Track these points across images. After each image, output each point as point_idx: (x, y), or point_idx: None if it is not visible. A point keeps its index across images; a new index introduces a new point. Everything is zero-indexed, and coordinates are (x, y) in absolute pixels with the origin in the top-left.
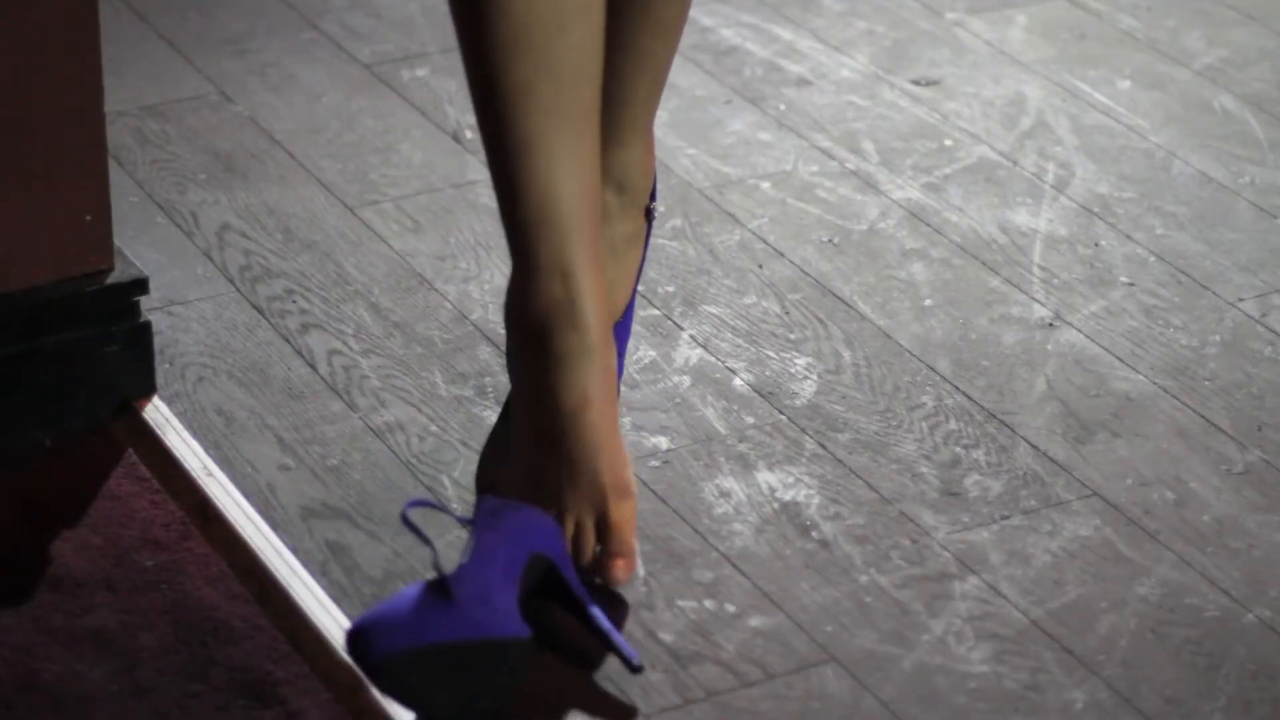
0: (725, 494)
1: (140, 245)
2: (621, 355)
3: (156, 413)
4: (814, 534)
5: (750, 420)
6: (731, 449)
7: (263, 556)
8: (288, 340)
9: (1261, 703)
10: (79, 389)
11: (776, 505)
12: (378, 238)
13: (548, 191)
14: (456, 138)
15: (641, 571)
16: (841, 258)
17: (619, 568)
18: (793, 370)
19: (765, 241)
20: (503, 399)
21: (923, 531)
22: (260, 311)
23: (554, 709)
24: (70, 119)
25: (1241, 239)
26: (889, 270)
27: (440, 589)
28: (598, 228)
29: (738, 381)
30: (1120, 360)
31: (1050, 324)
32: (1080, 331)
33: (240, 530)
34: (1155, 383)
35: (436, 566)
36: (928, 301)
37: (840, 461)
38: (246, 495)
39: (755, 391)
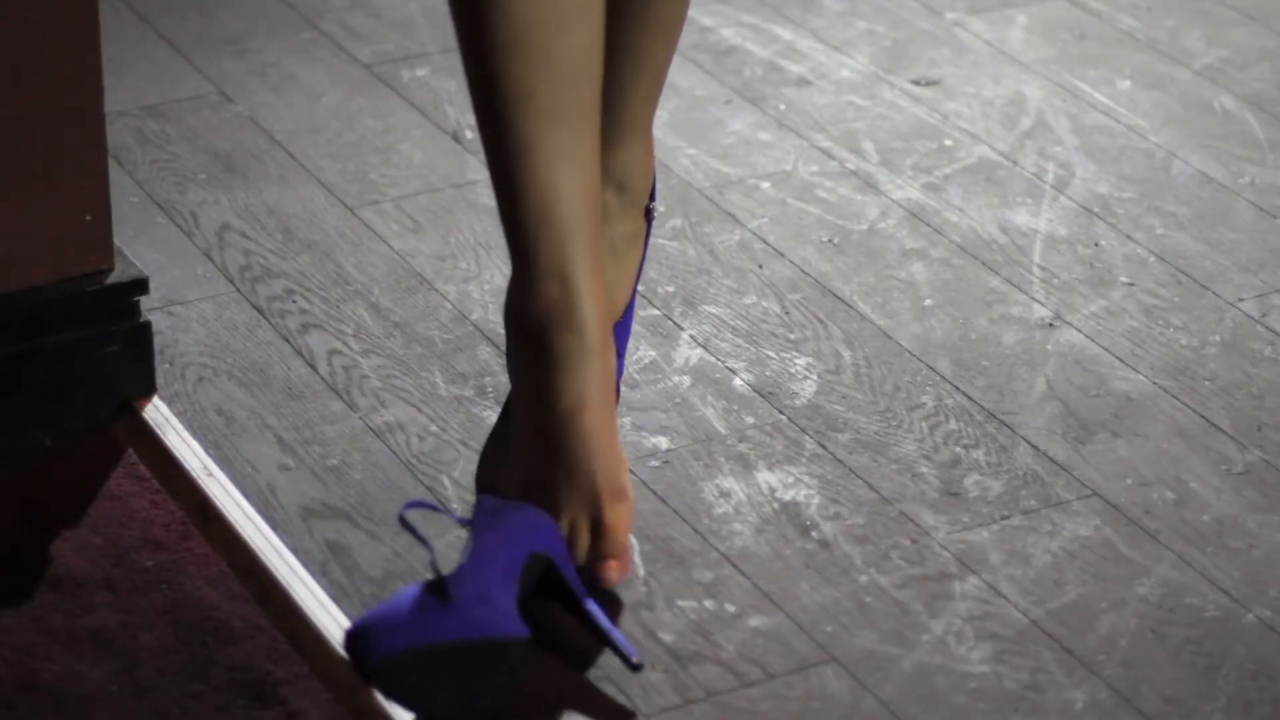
0: (725, 494)
1: (140, 245)
2: (621, 355)
3: (156, 413)
4: (814, 534)
5: (750, 420)
6: (731, 449)
7: (263, 556)
8: (288, 340)
9: (1261, 703)
10: (79, 389)
11: (776, 505)
12: (378, 238)
13: (547, 193)
14: (456, 138)
15: (641, 571)
16: (841, 258)
17: (611, 569)
18: (793, 370)
19: (765, 241)
20: (503, 399)
21: (923, 531)
22: (260, 311)
23: (554, 709)
24: (70, 119)
25: (1241, 239)
26: (889, 270)
27: (438, 589)
28: (597, 229)
29: (738, 381)
30: (1120, 360)
31: (1050, 324)
32: (1080, 331)
33: (240, 530)
34: (1155, 383)
35: (434, 567)
36: (928, 301)
37: (840, 461)
38: (246, 495)
39: (755, 391)
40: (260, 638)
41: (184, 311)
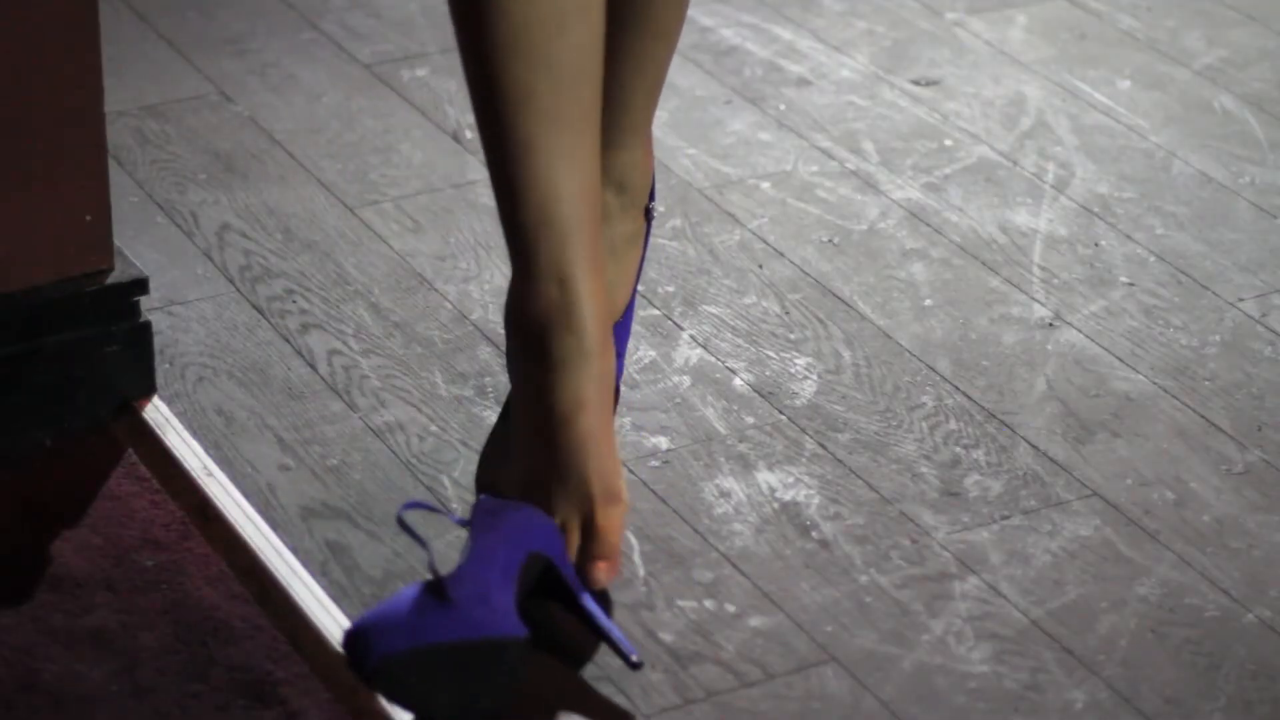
0: (725, 494)
1: (140, 245)
2: (621, 355)
3: (156, 413)
4: (814, 534)
5: (750, 420)
6: (731, 449)
7: (263, 556)
8: (288, 340)
9: (1261, 703)
10: (79, 389)
11: (776, 505)
12: (378, 238)
13: (547, 193)
14: (456, 138)
15: (641, 571)
16: (841, 258)
17: (600, 569)
18: (793, 370)
19: (765, 241)
20: (503, 399)
21: (923, 531)
22: (260, 311)
23: (554, 709)
24: (70, 119)
25: (1241, 239)
26: (889, 270)
27: (437, 590)
28: (597, 231)
29: (738, 381)
30: (1120, 360)
31: (1050, 324)
32: (1080, 331)
33: (240, 530)
34: (1155, 383)
35: (432, 568)
36: (928, 301)
37: (840, 461)
38: (246, 495)
39: (755, 391)
40: (260, 638)
41: (184, 311)
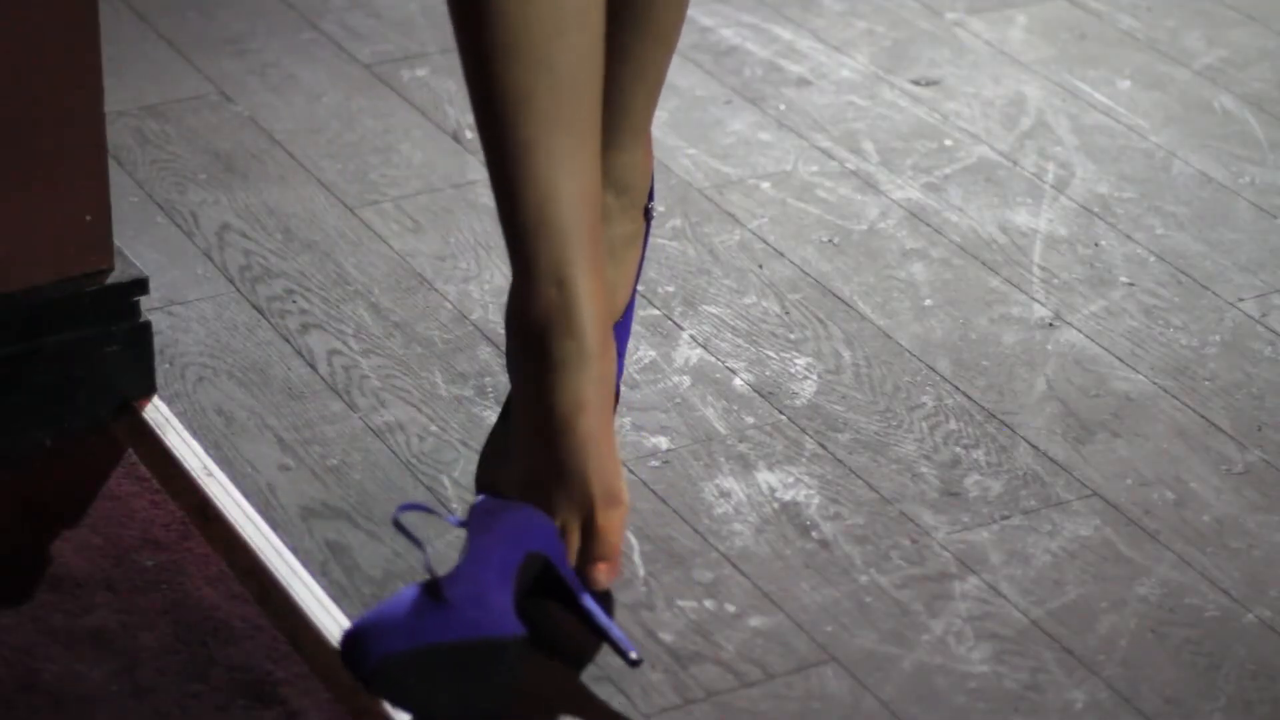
0: (725, 494)
1: (140, 245)
2: (621, 355)
3: (156, 413)
4: (814, 534)
5: (750, 420)
6: (731, 449)
7: (263, 556)
8: (288, 340)
9: (1261, 703)
10: (79, 389)
11: (776, 505)
12: (378, 238)
13: (546, 196)
14: (456, 138)
15: (641, 571)
16: (841, 258)
17: (601, 571)
18: (793, 370)
19: (765, 241)
20: (503, 399)
21: (923, 531)
22: (260, 311)
23: (554, 709)
24: (70, 119)
25: (1241, 239)
26: (889, 270)
27: (434, 591)
28: (598, 233)
29: (738, 381)
30: (1120, 360)
31: (1050, 324)
32: (1080, 331)
33: (240, 530)
34: (1155, 383)
35: (429, 568)
36: (928, 301)
37: (840, 461)
38: (246, 495)
39: (755, 391)
40: (260, 638)
41: (184, 311)
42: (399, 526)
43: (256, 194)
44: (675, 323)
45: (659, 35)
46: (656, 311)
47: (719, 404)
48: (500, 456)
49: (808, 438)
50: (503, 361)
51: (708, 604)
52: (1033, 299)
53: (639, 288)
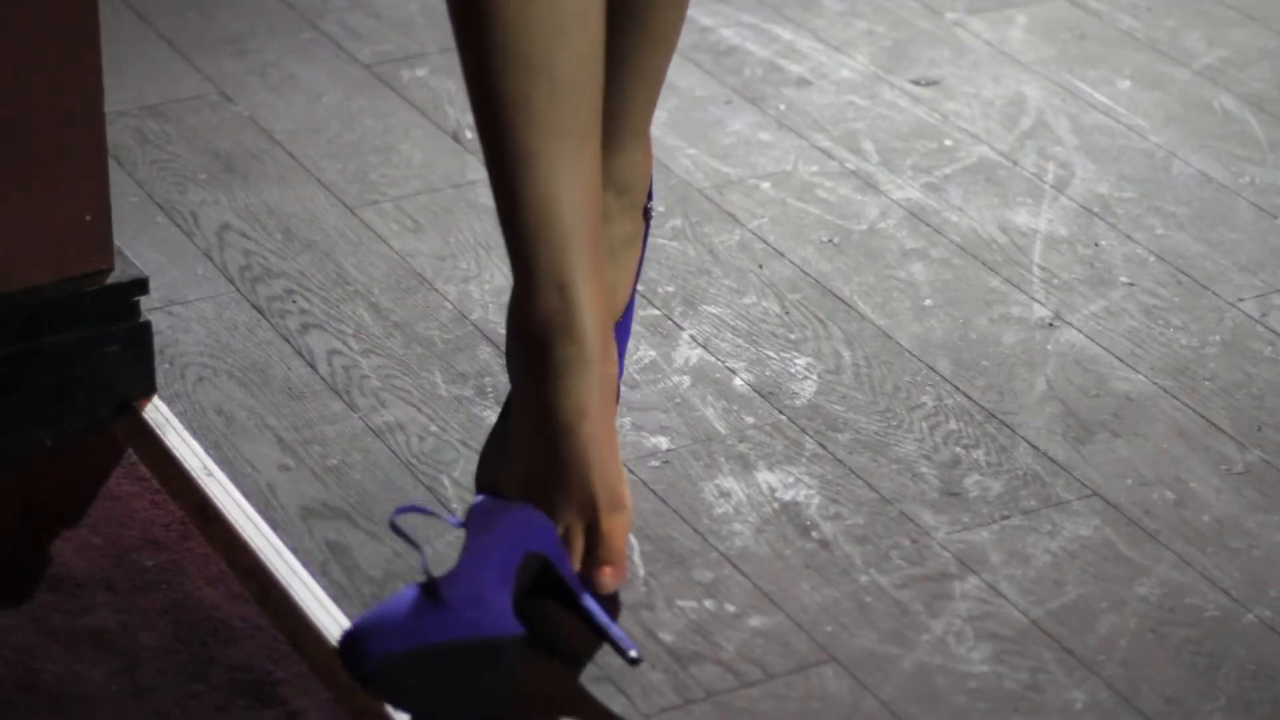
0: (725, 494)
1: (140, 245)
2: (621, 355)
3: (156, 413)
4: (814, 534)
5: (750, 420)
6: (731, 449)
7: (263, 556)
8: (288, 340)
9: (1261, 703)
10: (79, 389)
11: (776, 505)
12: (378, 238)
13: (546, 201)
14: (456, 138)
15: (641, 571)
16: (841, 258)
17: (606, 575)
18: (793, 370)
19: (765, 241)
20: (503, 399)
21: (923, 531)
22: (260, 311)
23: (554, 709)
24: (70, 119)
25: (1241, 239)
26: (889, 270)
27: (432, 591)
28: (598, 237)
29: (738, 381)
30: (1120, 360)
31: (1050, 324)
32: (1080, 331)
33: (240, 530)
34: (1155, 383)
35: (426, 569)
36: (928, 301)
37: (840, 461)
38: (246, 495)
39: (755, 391)
40: (260, 638)
41: (184, 311)
42: (396, 529)
43: (256, 194)
44: (675, 323)
45: (658, 38)
46: (656, 311)
47: (719, 404)
48: (500, 456)
49: (808, 438)
50: (503, 361)
51: (708, 604)
52: (1033, 299)
53: (639, 288)
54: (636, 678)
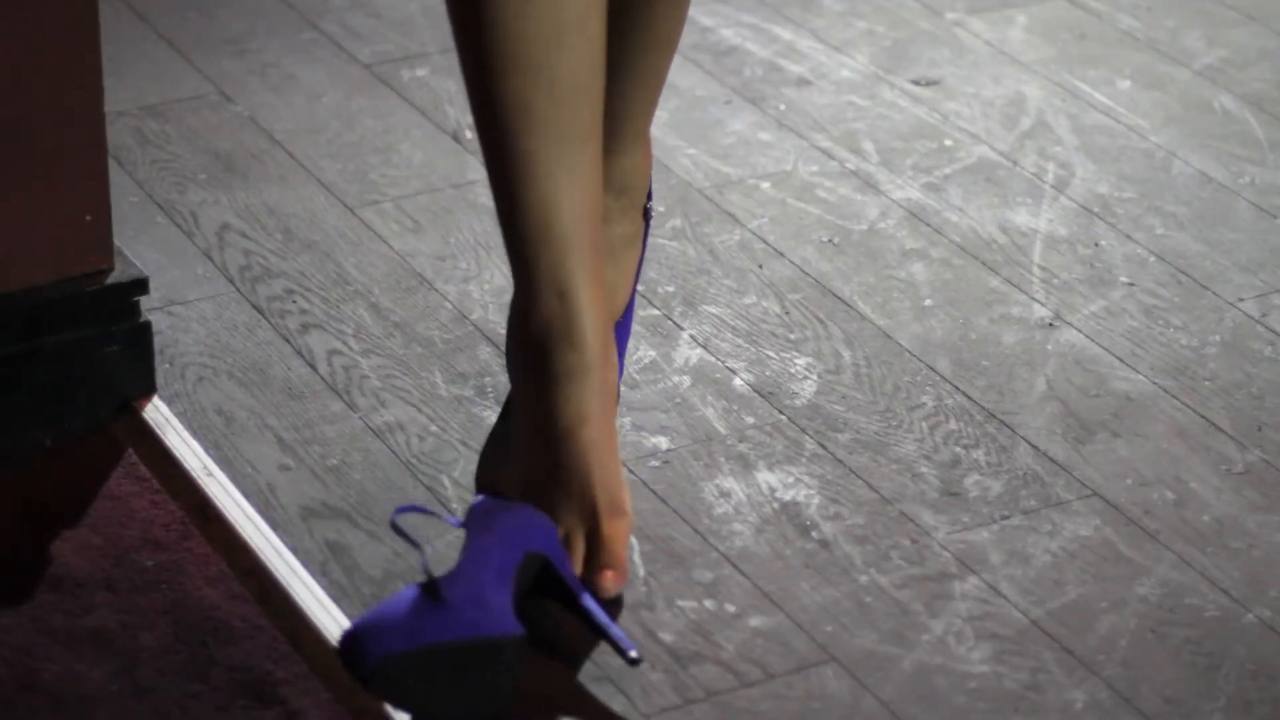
0: (725, 494)
1: (140, 245)
2: (621, 355)
3: (156, 413)
4: (814, 534)
5: (750, 420)
6: (731, 449)
7: (263, 556)
8: (288, 340)
9: (1261, 703)
10: (79, 389)
11: (776, 505)
12: (378, 238)
13: (546, 205)
14: (456, 138)
15: (641, 571)
16: (841, 258)
17: (608, 579)
18: (793, 370)
19: (765, 241)
20: (503, 399)
21: (923, 531)
22: (260, 311)
23: (554, 709)
24: (70, 119)
25: (1241, 239)
26: (889, 270)
27: (432, 591)
28: (599, 241)
29: (738, 381)
30: (1120, 360)
31: (1050, 324)
32: (1080, 331)
33: (240, 530)
34: (1155, 383)
35: (425, 569)
36: (928, 301)
37: (840, 461)
38: (246, 495)
39: (755, 391)
40: (260, 638)
41: (184, 311)
42: (396, 529)
43: (256, 194)
44: (675, 323)
45: (659, 41)
46: (656, 311)
47: (719, 404)
48: (500, 456)
49: (808, 438)
50: (502, 361)
51: (708, 604)
52: (1033, 299)
53: (639, 288)
54: (636, 678)
